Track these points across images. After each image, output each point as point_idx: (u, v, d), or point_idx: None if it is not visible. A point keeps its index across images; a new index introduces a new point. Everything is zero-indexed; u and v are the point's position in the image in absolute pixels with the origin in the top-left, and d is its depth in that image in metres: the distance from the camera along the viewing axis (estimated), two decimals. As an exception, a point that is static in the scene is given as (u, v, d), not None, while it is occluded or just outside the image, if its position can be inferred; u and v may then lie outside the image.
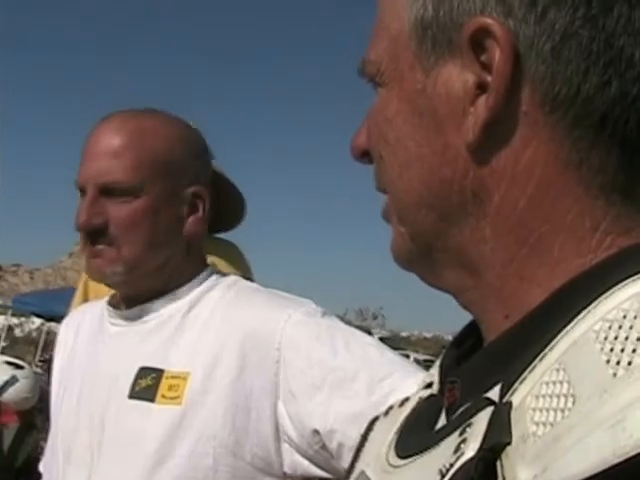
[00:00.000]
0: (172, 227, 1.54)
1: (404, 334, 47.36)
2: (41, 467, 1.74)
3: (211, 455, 1.42)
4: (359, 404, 1.38)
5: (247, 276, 2.56)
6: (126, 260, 1.51)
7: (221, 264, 2.49)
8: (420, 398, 0.78)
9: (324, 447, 1.41)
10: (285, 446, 1.45)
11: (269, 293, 1.61)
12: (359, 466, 0.80)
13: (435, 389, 0.74)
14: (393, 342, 31.40)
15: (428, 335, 48.55)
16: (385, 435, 0.77)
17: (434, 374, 0.76)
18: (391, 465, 0.70)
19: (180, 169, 1.54)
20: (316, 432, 1.41)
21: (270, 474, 1.46)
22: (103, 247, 1.52)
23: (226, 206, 2.36)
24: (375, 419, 0.86)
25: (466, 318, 0.71)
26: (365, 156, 0.73)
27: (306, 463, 1.45)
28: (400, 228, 0.70)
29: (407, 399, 0.82)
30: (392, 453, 0.71)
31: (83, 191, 1.52)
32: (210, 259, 2.38)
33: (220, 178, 2.38)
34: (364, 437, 0.84)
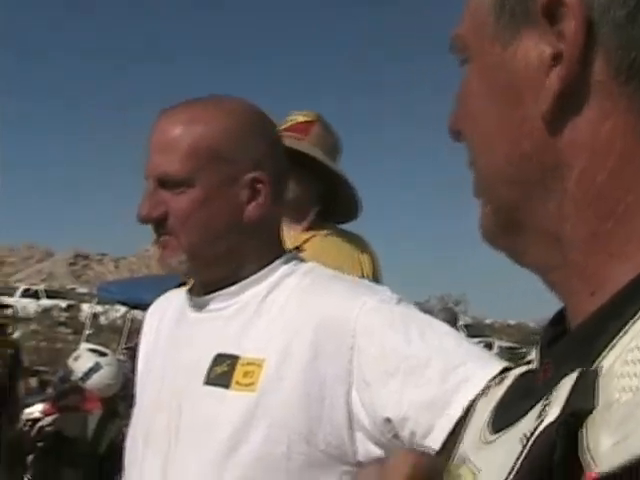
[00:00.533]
0: (230, 214, 1.53)
1: (488, 321, 46.97)
2: None
3: (285, 442, 1.42)
4: (432, 391, 1.36)
5: (374, 263, 2.84)
6: (186, 249, 1.52)
7: (345, 248, 2.76)
8: (517, 375, 0.77)
9: (396, 436, 1.39)
10: (359, 435, 1.43)
11: (345, 280, 1.61)
12: (460, 448, 0.80)
13: (535, 366, 0.72)
14: (476, 329, 31.28)
15: (512, 322, 47.99)
16: (483, 414, 0.77)
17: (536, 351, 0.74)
18: (484, 441, 0.70)
19: (236, 156, 1.52)
20: (388, 420, 1.39)
21: (344, 462, 1.45)
22: (167, 238, 1.54)
23: (340, 201, 2.81)
24: (476, 399, 0.86)
25: (551, 305, 0.69)
26: (460, 135, 0.72)
27: (379, 452, 1.43)
28: (485, 205, 0.69)
29: (505, 377, 0.81)
30: (487, 430, 0.71)
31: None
32: (339, 245, 2.75)
33: (337, 177, 2.75)
34: (465, 418, 0.84)
